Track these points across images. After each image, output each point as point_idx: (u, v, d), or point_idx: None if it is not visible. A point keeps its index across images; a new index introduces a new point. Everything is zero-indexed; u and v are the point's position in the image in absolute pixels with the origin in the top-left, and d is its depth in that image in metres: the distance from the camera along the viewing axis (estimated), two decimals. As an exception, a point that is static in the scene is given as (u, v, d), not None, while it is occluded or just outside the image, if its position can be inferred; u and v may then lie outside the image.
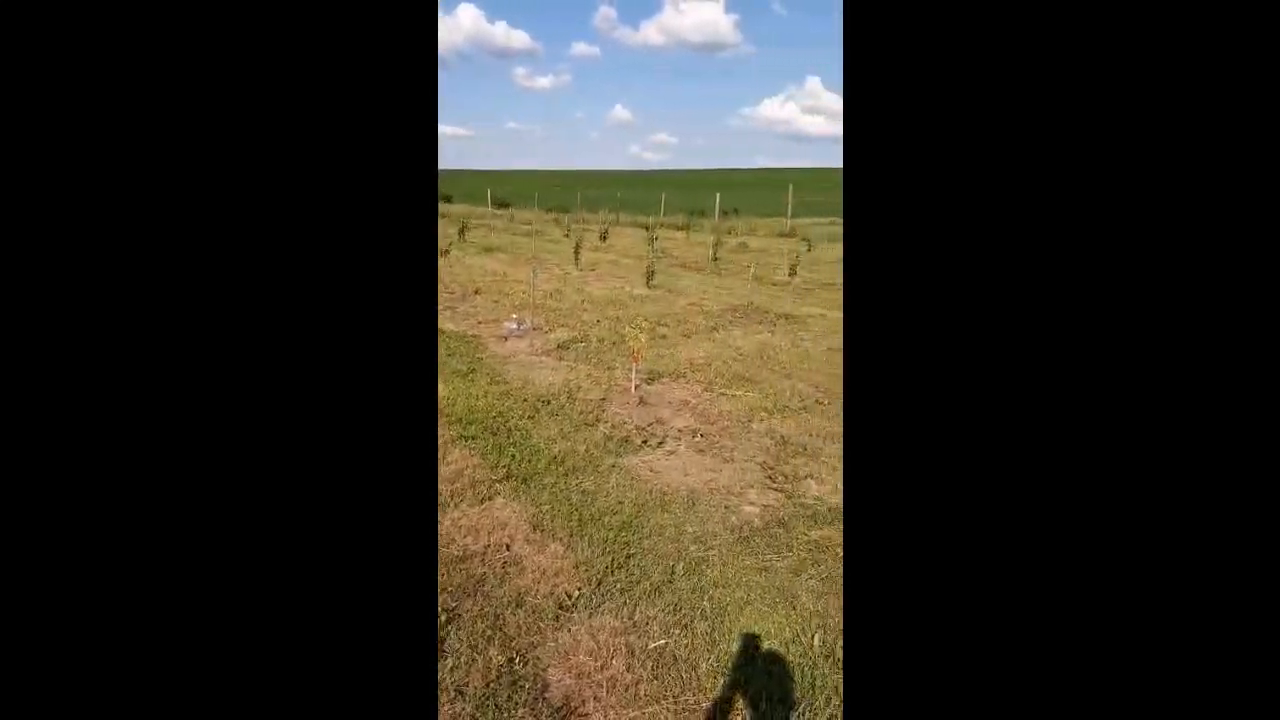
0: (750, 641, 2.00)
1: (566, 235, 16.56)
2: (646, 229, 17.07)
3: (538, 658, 1.89)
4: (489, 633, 1.97)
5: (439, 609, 2.06)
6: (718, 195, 23.60)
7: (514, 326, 6.11)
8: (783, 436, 3.69)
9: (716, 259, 11.81)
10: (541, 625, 2.03)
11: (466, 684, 1.77)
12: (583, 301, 7.58)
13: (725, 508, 2.86)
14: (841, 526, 2.71)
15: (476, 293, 7.90)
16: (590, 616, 2.08)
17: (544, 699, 1.75)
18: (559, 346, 5.51)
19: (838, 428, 3.82)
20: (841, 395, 4.41)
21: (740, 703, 1.77)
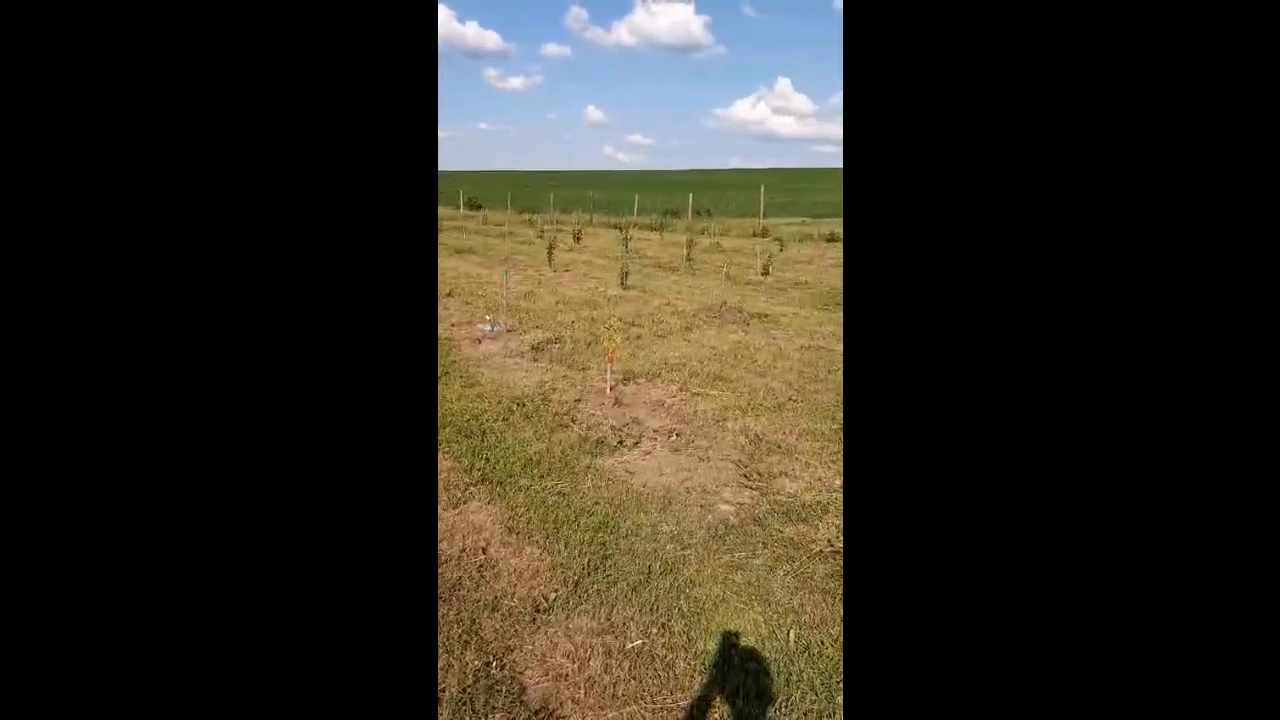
0: (727, 639, 2.01)
1: (540, 236, 16.48)
2: (620, 230, 17.08)
3: (515, 661, 1.88)
4: (465, 637, 1.96)
5: (414, 614, 2.05)
6: (690, 196, 23.69)
7: (488, 328, 6.07)
8: (757, 435, 3.72)
9: (690, 259, 11.85)
10: (518, 628, 2.02)
11: (442, 689, 1.75)
12: (557, 303, 7.56)
13: (701, 506, 2.88)
14: (815, 524, 2.74)
15: (449, 294, 7.83)
16: (567, 618, 2.08)
17: (521, 701, 1.74)
18: (533, 348, 5.48)
19: (812, 425, 3.86)
20: (814, 394, 4.46)
21: (718, 700, 1.78)
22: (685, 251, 12.34)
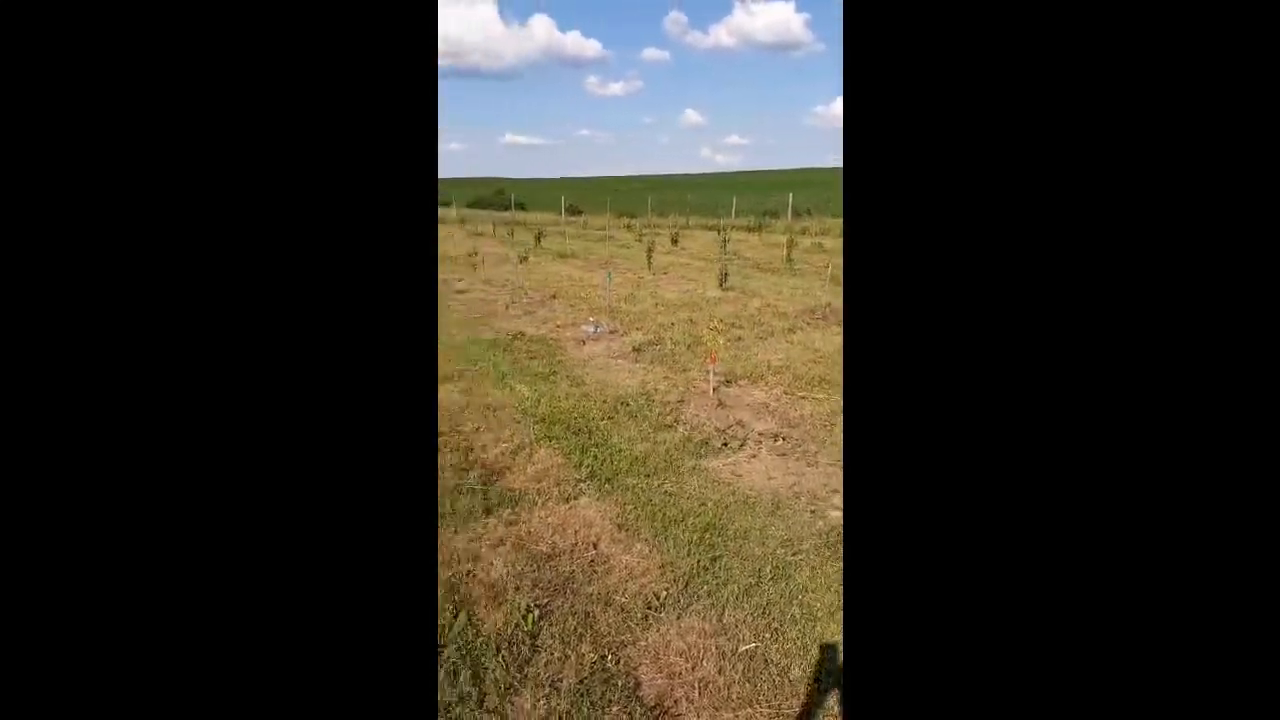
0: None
1: (638, 240, 16.67)
2: (718, 231, 16.99)
3: (629, 656, 1.91)
4: (580, 630, 2.01)
5: (531, 604, 2.11)
6: (790, 195, 23.21)
7: (591, 330, 6.20)
8: (868, 440, 3.58)
9: (791, 260, 11.62)
10: (631, 624, 2.05)
11: (560, 679, 1.80)
12: (656, 305, 7.61)
13: (811, 512, 2.81)
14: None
15: (554, 297, 8.07)
16: (679, 617, 2.09)
17: (637, 697, 1.76)
18: (635, 349, 5.55)
19: (926, 431, 3.68)
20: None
21: (836, 707, 1.73)
22: (785, 252, 12.12)
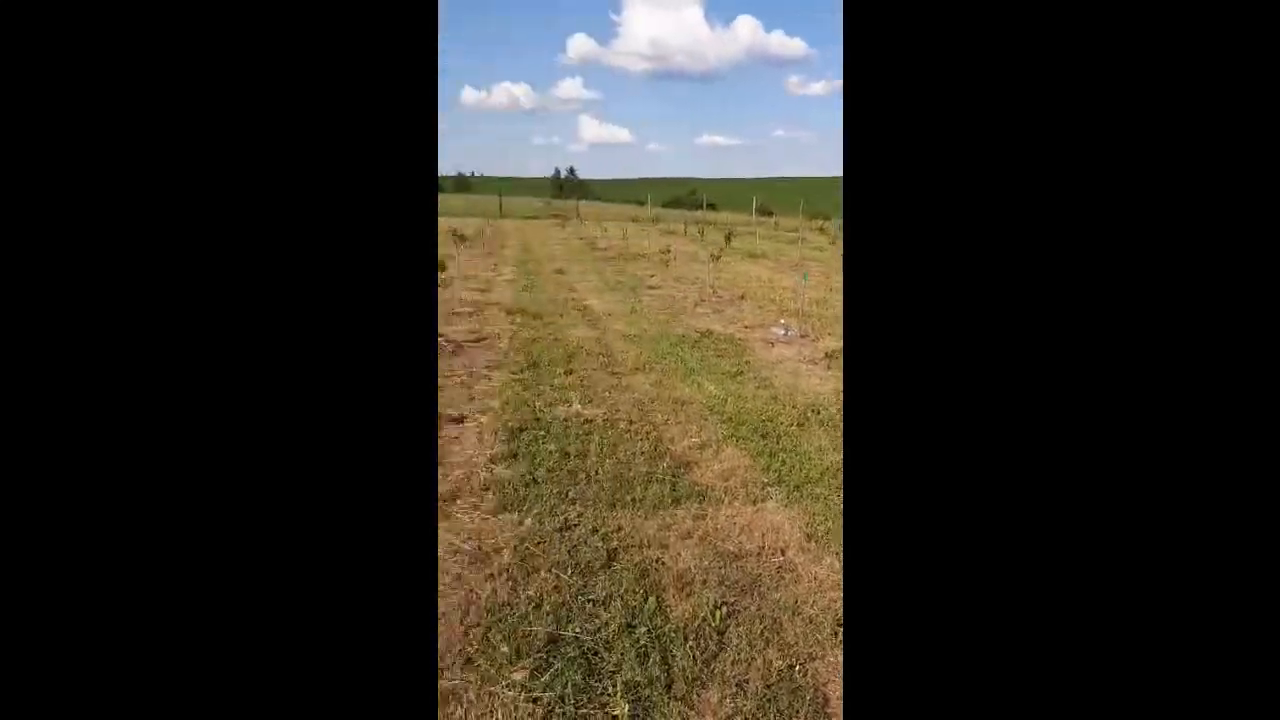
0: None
1: (832, 243, 16.08)
2: (921, 236, 15.87)
3: (816, 670, 1.85)
4: (767, 635, 1.98)
5: (719, 600, 2.12)
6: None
7: (781, 333, 6.09)
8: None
9: (1006, 270, 10.52)
10: (819, 638, 1.98)
11: (747, 680, 1.79)
12: (851, 311, 7.27)
13: (1027, 551, 2.52)
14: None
15: (742, 297, 8.04)
16: (872, 640, 1.98)
17: (825, 714, 1.70)
18: (827, 355, 5.35)
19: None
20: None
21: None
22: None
